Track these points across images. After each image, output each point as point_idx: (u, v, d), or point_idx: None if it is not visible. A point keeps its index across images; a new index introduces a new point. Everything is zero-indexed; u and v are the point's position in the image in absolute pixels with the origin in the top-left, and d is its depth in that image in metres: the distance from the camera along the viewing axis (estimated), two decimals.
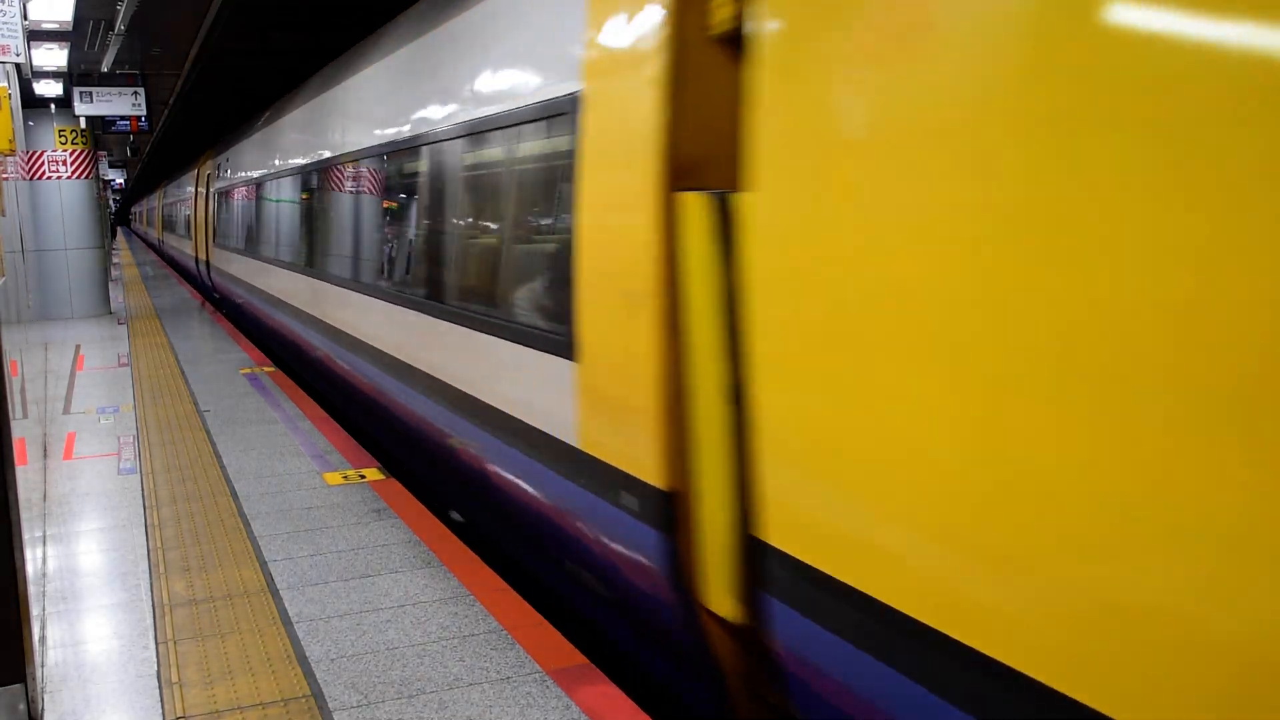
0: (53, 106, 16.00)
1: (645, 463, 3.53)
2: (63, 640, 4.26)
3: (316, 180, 9.38)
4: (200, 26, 11.87)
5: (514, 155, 4.75)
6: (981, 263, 2.24)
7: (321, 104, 9.47)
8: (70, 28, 10.63)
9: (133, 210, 68.77)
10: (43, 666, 3.99)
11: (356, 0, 13.00)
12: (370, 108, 7.58)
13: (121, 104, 15.02)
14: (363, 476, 6.56)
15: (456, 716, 3.52)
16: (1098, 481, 2.02)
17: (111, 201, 46.39)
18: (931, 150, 2.36)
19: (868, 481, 2.59)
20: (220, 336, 13.99)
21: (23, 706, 3.37)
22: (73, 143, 16.49)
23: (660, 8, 3.38)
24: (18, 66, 9.65)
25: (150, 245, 48.13)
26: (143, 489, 6.43)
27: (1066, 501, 2.08)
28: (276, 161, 11.86)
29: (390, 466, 7.30)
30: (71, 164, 16.53)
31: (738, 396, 3.14)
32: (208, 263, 18.89)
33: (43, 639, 4.26)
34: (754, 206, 2.95)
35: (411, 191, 6.39)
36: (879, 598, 2.56)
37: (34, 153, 16.12)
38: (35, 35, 10.97)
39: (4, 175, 13.02)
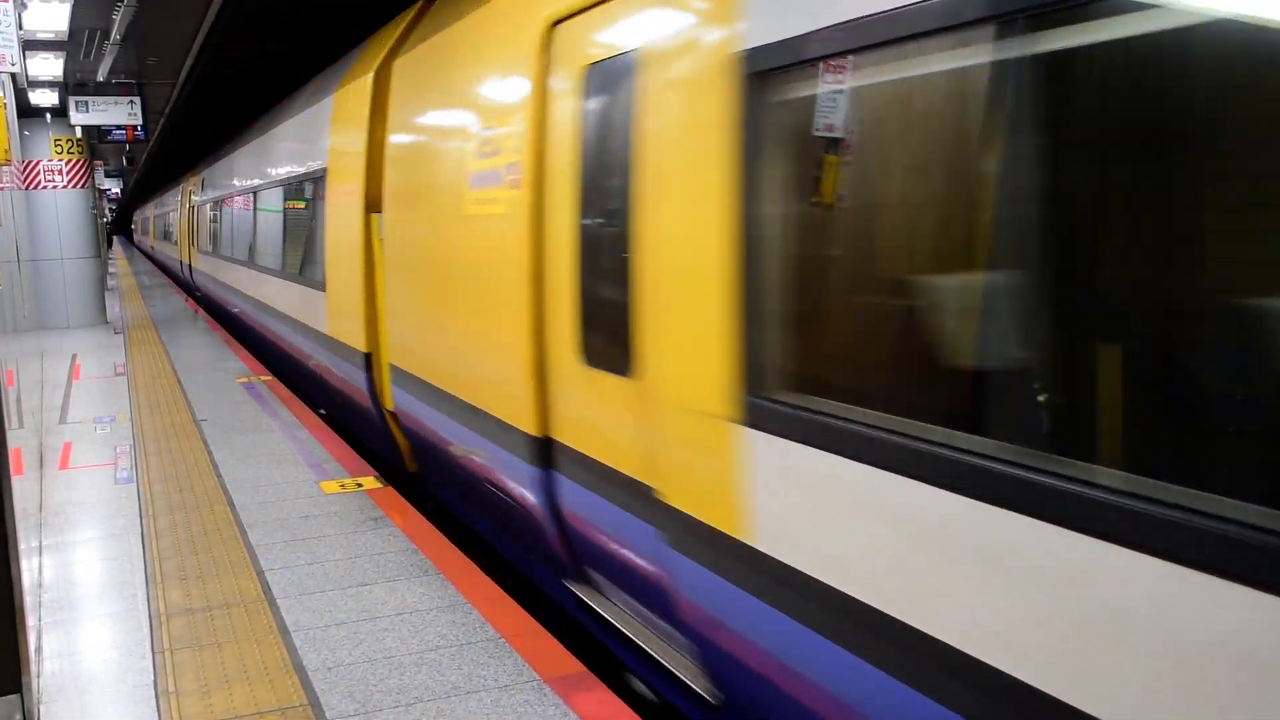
0: (48, 116, 16.01)
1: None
2: (59, 650, 4.25)
3: None
4: (197, 33, 11.88)
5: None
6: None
7: None
8: (66, 37, 10.65)
9: (134, 219, 67.53)
10: (39, 676, 3.98)
11: (354, 1, 13.01)
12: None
13: (118, 113, 15.03)
14: (360, 485, 6.55)
15: None
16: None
17: (108, 210, 46.30)
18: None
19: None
20: (217, 345, 13.98)
21: (19, 717, 3.36)
22: (69, 152, 16.50)
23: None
24: (13, 76, 9.64)
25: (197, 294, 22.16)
26: (140, 498, 6.42)
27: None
28: None
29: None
30: (67, 173, 16.54)
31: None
32: None
33: (39, 649, 4.25)
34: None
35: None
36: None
37: (30, 162, 16.13)
38: (31, 45, 10.98)
39: (0, 185, 13.04)
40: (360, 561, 5.15)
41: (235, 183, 14.50)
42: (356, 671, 3.92)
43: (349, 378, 7.70)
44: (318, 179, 8.46)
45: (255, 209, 12.51)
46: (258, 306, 12.32)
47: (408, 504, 6.13)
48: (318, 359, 8.88)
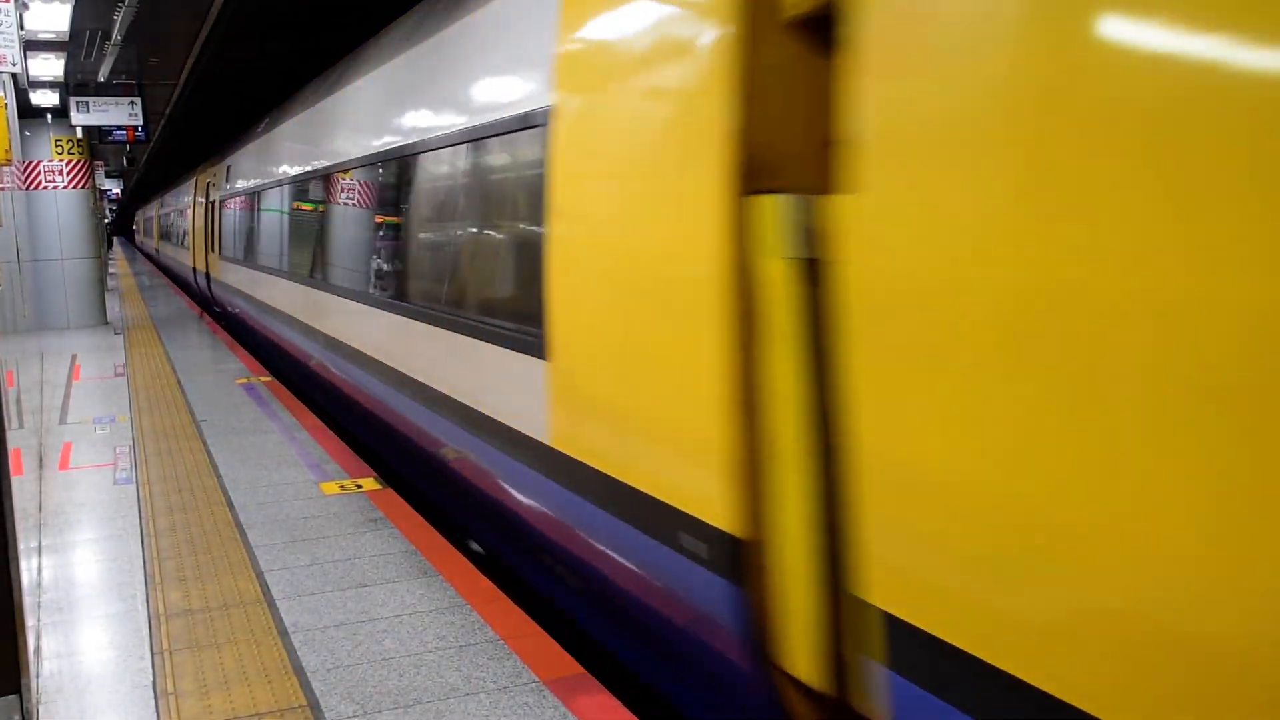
0: (49, 116, 16.02)
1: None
2: (58, 651, 4.25)
3: None
4: (198, 34, 11.90)
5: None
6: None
7: None
8: (67, 37, 10.66)
9: (136, 219, 66.89)
10: (38, 677, 3.98)
11: (354, 1, 13.01)
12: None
13: (118, 114, 15.04)
14: (359, 486, 6.55)
15: None
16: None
17: (108, 211, 46.34)
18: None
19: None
20: (217, 346, 13.98)
21: (18, 717, 3.36)
22: (69, 153, 16.50)
23: None
24: (14, 76, 9.65)
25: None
26: (139, 499, 6.42)
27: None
28: None
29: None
30: (68, 174, 16.54)
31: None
32: None
33: (38, 650, 4.24)
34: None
35: None
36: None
37: (30, 163, 16.14)
38: (32, 45, 10.99)
39: (1, 186, 13.05)
40: (359, 563, 5.15)
41: (297, 166, 10.33)
42: (356, 673, 3.92)
43: (649, 571, 3.56)
44: (514, 135, 4.64)
45: (339, 202, 8.51)
46: (341, 351, 8.30)
47: (407, 505, 6.13)
48: (513, 485, 4.80)
